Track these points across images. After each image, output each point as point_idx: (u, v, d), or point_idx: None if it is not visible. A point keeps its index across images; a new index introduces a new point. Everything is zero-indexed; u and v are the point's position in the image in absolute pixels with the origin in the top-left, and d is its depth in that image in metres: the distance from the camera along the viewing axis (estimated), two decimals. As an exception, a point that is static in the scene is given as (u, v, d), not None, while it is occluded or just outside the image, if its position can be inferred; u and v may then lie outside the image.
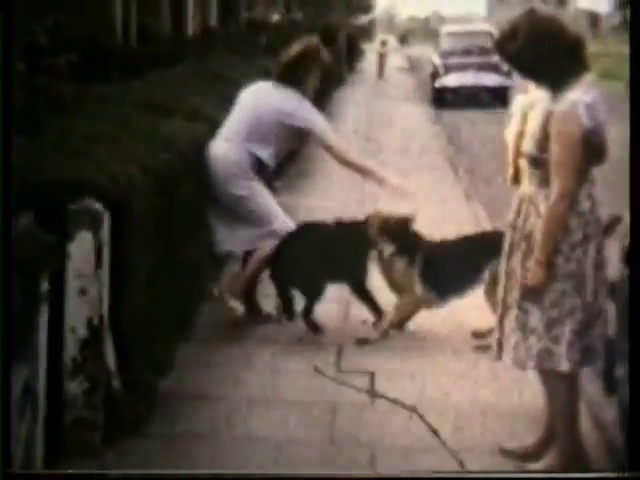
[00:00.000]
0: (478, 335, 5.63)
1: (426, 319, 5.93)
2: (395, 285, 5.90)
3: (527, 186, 4.07)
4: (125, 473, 3.56)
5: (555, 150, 3.90)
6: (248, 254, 5.99)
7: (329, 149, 6.00)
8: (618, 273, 4.23)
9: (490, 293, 5.41)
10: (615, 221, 4.22)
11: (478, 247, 5.74)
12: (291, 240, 5.87)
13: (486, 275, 5.60)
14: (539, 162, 3.98)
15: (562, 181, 3.90)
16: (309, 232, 5.98)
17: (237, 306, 5.95)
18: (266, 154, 5.86)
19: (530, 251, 4.00)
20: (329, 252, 5.83)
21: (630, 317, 3.56)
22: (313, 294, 5.82)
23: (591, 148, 3.93)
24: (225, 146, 5.82)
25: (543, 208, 3.97)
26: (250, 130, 5.83)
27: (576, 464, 4.11)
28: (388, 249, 5.85)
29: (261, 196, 5.90)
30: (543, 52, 3.93)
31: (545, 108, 3.97)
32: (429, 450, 4.36)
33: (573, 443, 4.11)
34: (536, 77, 4.04)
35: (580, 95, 3.91)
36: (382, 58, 30.69)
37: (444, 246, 5.91)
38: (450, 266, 5.80)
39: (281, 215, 5.97)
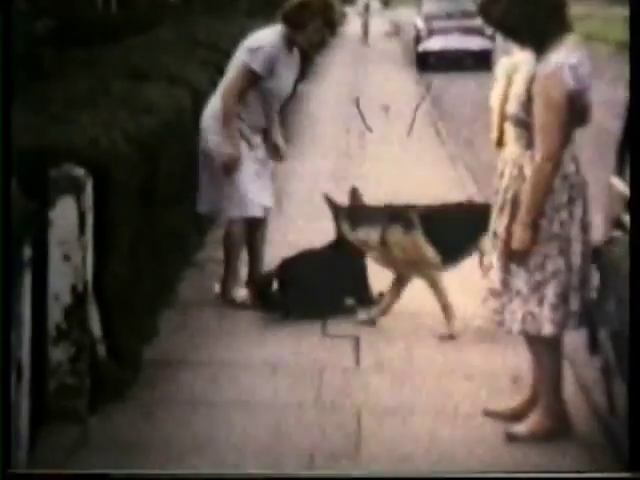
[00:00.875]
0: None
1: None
2: (402, 262, 5.44)
3: (512, 148, 4.06)
4: (127, 473, 3.57)
5: (539, 112, 3.89)
6: None
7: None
8: (601, 238, 4.24)
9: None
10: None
11: (470, 215, 5.41)
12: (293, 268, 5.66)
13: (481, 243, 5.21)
14: (524, 124, 3.97)
15: (546, 143, 3.89)
16: (308, 258, 5.74)
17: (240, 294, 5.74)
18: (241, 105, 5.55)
19: (515, 214, 4.00)
20: (331, 275, 5.59)
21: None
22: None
23: (575, 110, 3.92)
24: (214, 100, 5.69)
25: (528, 170, 3.97)
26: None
27: (559, 424, 4.14)
28: (370, 232, 5.45)
29: (245, 170, 5.59)
30: (526, 13, 3.92)
31: (529, 70, 3.96)
32: (414, 412, 4.38)
33: (556, 403, 4.14)
34: (520, 39, 4.02)
35: (564, 56, 3.90)
36: (366, 23, 30.48)
37: (437, 210, 5.58)
38: (450, 229, 5.44)
39: (257, 198, 5.65)
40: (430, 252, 5.37)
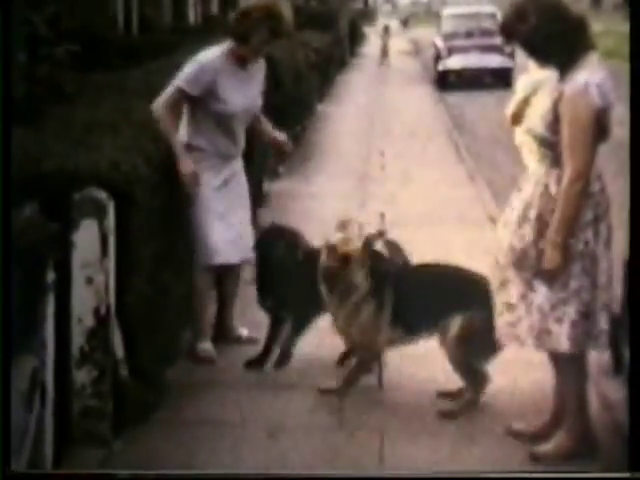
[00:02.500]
0: (444, 395, 4.70)
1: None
2: (357, 334, 4.71)
3: (536, 167, 4.06)
4: (132, 473, 3.56)
5: (568, 131, 3.88)
6: None
7: None
8: (623, 255, 4.22)
9: None
10: None
11: (452, 285, 4.67)
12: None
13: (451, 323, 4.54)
14: (549, 143, 3.97)
15: (576, 162, 3.88)
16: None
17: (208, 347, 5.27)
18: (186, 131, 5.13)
19: (542, 232, 3.98)
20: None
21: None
22: (301, 325, 5.10)
23: (600, 127, 3.92)
24: None
25: (554, 189, 3.96)
26: None
27: (584, 444, 4.11)
28: (360, 289, 4.64)
29: (209, 210, 5.07)
30: (553, 32, 3.93)
31: (553, 89, 3.95)
32: (437, 434, 4.36)
33: (581, 423, 4.11)
34: (545, 57, 4.02)
35: (590, 75, 3.90)
36: (386, 44, 30.51)
37: (417, 272, 4.88)
38: (423, 295, 4.63)
39: (223, 245, 5.12)
40: (387, 332, 4.65)
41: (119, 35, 13.00)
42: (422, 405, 4.63)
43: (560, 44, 3.94)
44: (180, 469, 4.01)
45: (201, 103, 5.04)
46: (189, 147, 5.08)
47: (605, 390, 4.65)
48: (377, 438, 4.31)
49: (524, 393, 4.74)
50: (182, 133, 5.10)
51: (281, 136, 5.45)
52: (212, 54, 5.07)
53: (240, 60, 5.10)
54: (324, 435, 4.35)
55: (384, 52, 30.14)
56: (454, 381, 4.64)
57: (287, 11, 5.09)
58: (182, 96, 5.02)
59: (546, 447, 4.12)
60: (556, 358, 4.11)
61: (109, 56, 9.02)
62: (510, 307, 4.07)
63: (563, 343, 3.99)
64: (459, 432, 4.36)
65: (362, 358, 4.77)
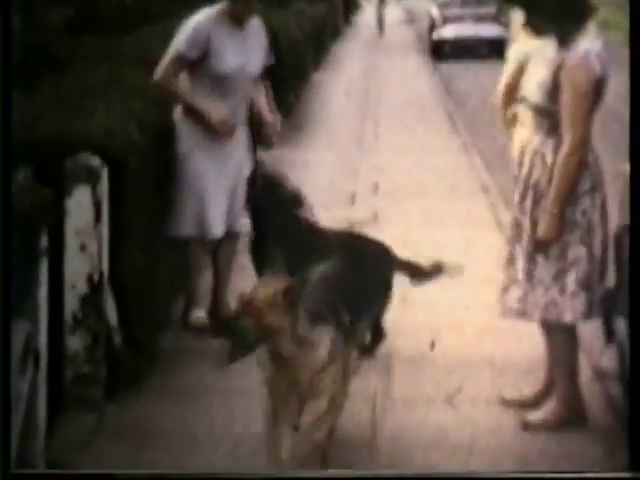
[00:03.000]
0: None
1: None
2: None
3: (531, 136, 4.05)
4: (131, 473, 3.58)
5: (569, 100, 3.87)
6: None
7: None
8: (617, 225, 4.23)
9: None
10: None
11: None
12: None
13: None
14: (547, 112, 3.96)
15: (576, 131, 3.88)
16: None
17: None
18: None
19: (538, 202, 3.99)
20: None
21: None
22: None
23: (598, 96, 3.92)
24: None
25: (550, 158, 3.96)
26: None
27: (575, 413, 4.14)
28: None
29: (212, 184, 5.02)
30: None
31: (552, 58, 3.94)
32: (430, 402, 4.39)
33: (572, 392, 4.14)
34: (547, 24, 4.00)
35: (591, 44, 3.90)
36: (381, 15, 30.26)
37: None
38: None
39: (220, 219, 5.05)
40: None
41: (112, 1, 12.88)
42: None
43: (562, 10, 3.93)
44: (171, 435, 4.03)
45: (199, 67, 4.97)
46: (187, 114, 5.02)
47: (596, 360, 4.68)
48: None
49: (515, 362, 4.77)
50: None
51: (270, 117, 5.27)
52: (206, 15, 5.02)
53: (235, 19, 5.03)
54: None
55: (380, 23, 29.89)
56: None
57: None
58: (181, 62, 4.97)
59: (537, 415, 4.15)
60: (548, 328, 4.13)
61: (103, 22, 8.95)
62: (516, 283, 4.08)
63: (567, 314, 4.01)
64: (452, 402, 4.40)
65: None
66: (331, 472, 3.68)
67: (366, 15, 36.34)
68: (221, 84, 4.99)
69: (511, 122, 4.19)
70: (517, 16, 4.13)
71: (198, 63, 4.97)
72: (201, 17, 5.02)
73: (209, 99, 4.98)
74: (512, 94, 4.12)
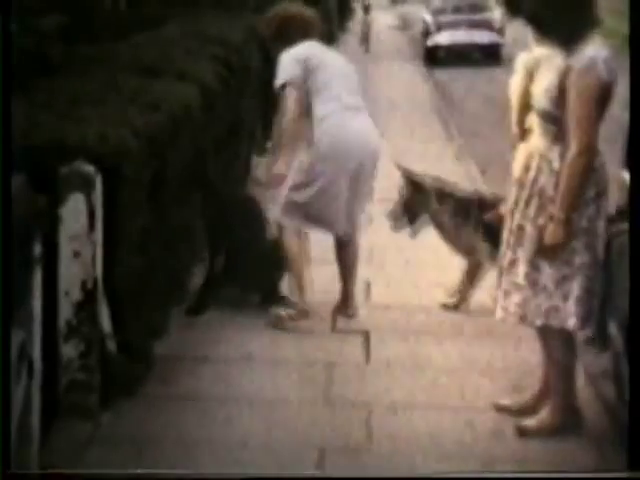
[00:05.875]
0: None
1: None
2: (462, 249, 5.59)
3: (538, 142, 4.04)
4: (129, 473, 3.57)
5: (575, 105, 3.87)
6: None
7: None
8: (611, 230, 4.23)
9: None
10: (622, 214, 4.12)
11: None
12: None
13: None
14: (553, 118, 3.96)
15: (582, 137, 3.88)
16: None
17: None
18: None
19: (542, 208, 3.98)
20: None
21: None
22: None
23: (604, 103, 3.92)
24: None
25: (557, 164, 3.96)
26: None
27: (570, 419, 4.13)
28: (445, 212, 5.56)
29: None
30: (560, 6, 3.93)
31: (559, 64, 3.94)
32: (426, 407, 4.38)
33: (567, 398, 4.14)
34: (552, 32, 4.00)
35: (597, 50, 3.90)
36: (368, 27, 29.00)
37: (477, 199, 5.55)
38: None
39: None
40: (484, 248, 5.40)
41: (106, 8, 12.88)
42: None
43: (567, 19, 3.94)
44: (167, 443, 4.02)
45: None
46: None
47: (590, 365, 4.67)
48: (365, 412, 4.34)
49: (511, 368, 4.77)
50: None
51: None
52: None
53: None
54: (312, 409, 4.37)
55: (365, 37, 28.55)
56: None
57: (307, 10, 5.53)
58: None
59: (532, 421, 4.15)
60: (545, 333, 4.13)
61: (96, 29, 8.95)
62: (518, 287, 4.07)
63: (570, 321, 4.00)
64: (448, 406, 4.39)
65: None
66: (331, 472, 3.68)
67: (360, 22, 36.38)
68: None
69: (525, 134, 4.15)
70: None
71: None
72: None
73: None
74: (525, 104, 4.09)
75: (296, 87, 5.18)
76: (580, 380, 4.39)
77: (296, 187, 5.23)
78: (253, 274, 5.59)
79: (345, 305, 5.43)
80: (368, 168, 5.25)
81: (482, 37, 23.19)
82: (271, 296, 5.57)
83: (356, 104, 5.30)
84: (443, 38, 23.39)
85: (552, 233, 3.94)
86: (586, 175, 3.91)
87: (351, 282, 5.44)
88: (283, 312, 5.34)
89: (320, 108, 5.18)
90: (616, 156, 4.33)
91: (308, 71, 5.20)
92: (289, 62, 5.23)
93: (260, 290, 5.63)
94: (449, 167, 10.03)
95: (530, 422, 4.15)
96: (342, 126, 5.19)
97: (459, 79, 19.05)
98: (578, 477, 3.60)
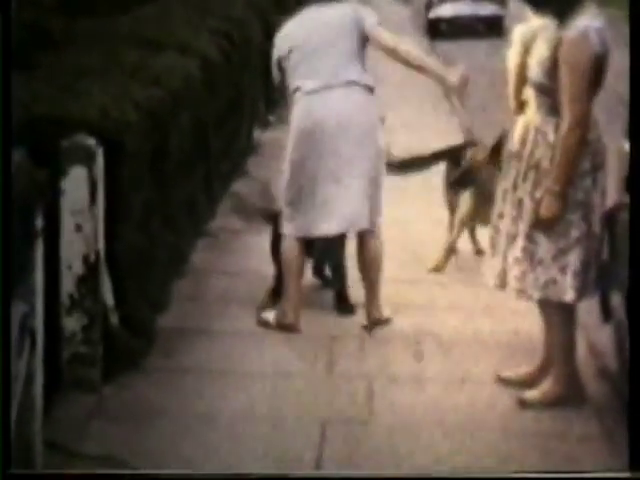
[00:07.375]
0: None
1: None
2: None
3: (533, 115, 4.03)
4: (132, 473, 3.58)
5: (566, 77, 3.85)
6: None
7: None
8: (613, 202, 4.22)
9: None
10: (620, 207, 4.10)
11: None
12: None
13: None
14: (547, 91, 3.94)
15: (575, 109, 3.85)
16: None
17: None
18: None
19: (539, 181, 3.98)
20: None
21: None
22: None
23: (598, 74, 3.90)
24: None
25: (552, 137, 3.94)
26: None
27: (571, 391, 4.14)
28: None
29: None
30: None
31: (552, 36, 3.91)
32: (427, 381, 4.40)
33: (569, 370, 4.14)
34: (545, 3, 3.97)
35: (590, 21, 3.87)
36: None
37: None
38: None
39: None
40: None
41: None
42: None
43: None
44: (169, 415, 4.03)
45: None
46: None
47: (593, 337, 4.68)
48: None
49: (512, 340, 4.77)
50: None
51: None
52: None
53: None
54: (313, 382, 4.38)
55: None
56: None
57: None
58: None
59: (533, 393, 4.16)
60: (546, 306, 4.13)
61: (98, 2, 8.91)
62: (516, 261, 4.07)
63: (569, 293, 4.00)
64: (449, 379, 4.41)
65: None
66: (331, 472, 3.69)
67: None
68: None
69: (523, 106, 4.13)
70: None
71: None
72: None
73: None
74: (522, 76, 4.07)
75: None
76: (582, 353, 4.40)
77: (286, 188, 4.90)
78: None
79: (371, 306, 4.97)
80: (353, 147, 4.78)
81: (485, 9, 23.07)
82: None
83: (341, 79, 4.87)
84: (446, 10, 23.26)
85: (547, 206, 3.93)
86: (580, 148, 3.89)
87: (374, 286, 4.94)
88: (271, 319, 4.95)
89: (293, 89, 4.84)
90: (614, 128, 4.31)
91: (282, 65, 4.93)
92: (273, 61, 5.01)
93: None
94: (452, 139, 10.00)
95: (532, 394, 4.16)
96: (312, 106, 4.77)
97: (462, 51, 18.95)
98: (578, 477, 3.61)
